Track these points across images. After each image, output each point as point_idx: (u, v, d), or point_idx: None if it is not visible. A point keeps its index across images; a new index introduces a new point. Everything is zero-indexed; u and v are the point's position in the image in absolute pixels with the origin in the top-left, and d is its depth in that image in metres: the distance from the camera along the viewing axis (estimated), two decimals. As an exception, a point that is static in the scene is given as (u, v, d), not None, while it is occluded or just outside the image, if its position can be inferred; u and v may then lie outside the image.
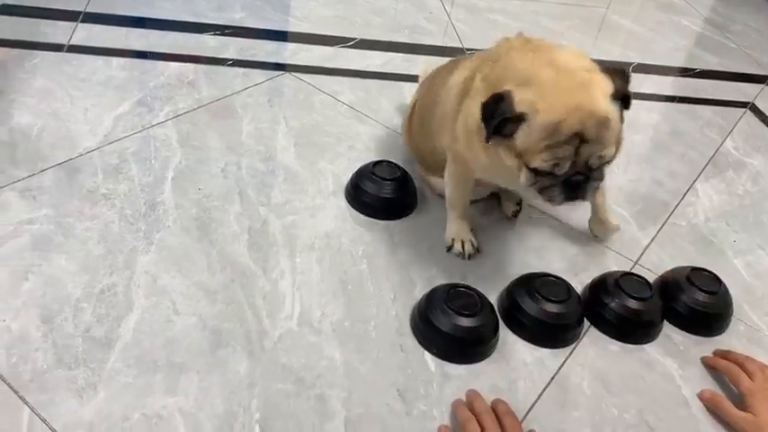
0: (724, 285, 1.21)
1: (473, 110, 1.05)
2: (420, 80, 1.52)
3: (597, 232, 1.34)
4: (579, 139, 0.95)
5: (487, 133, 0.99)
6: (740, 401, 1.03)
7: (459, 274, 1.21)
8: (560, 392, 1.04)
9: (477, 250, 1.26)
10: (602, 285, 1.18)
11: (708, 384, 1.09)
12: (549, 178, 1.00)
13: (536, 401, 1.02)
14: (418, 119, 1.35)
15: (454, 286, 1.09)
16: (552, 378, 1.05)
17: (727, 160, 1.70)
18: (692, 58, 2.22)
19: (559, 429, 0.99)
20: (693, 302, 1.17)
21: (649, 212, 1.46)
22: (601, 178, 1.02)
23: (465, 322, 1.04)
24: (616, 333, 1.14)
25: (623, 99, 0.99)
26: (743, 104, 1.96)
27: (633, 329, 1.14)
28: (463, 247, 1.24)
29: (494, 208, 1.38)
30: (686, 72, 2.11)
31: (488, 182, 1.24)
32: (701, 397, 1.06)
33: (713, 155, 1.71)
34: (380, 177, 1.31)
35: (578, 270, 1.27)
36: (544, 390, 1.04)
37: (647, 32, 2.33)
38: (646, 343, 1.14)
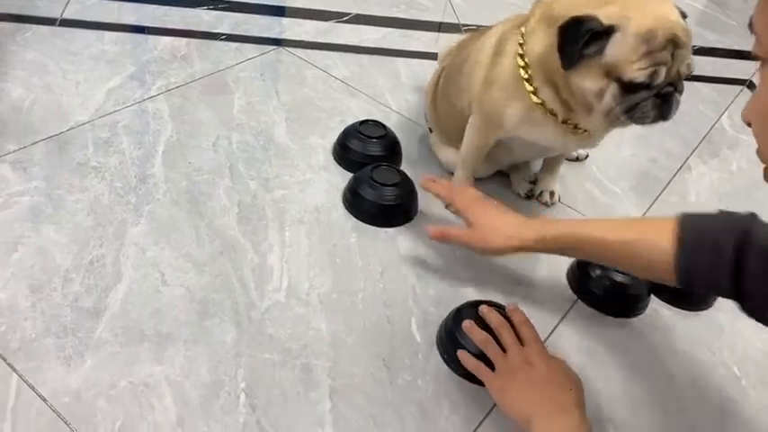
0: None
1: (530, 47, 1.05)
2: (440, 57, 1.50)
3: (542, 195, 1.34)
4: (674, 45, 0.95)
5: (570, 58, 0.97)
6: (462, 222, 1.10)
7: (450, 246, 1.21)
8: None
9: None
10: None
11: (696, 358, 1.10)
12: (641, 93, 0.98)
13: (520, 373, 1.02)
14: (444, 81, 1.33)
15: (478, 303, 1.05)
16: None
17: (723, 138, 1.70)
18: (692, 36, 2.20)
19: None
20: None
21: (642, 189, 1.46)
22: (682, 92, 1.01)
23: None
24: (603, 307, 1.15)
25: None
26: (740, 82, 1.95)
27: (620, 303, 1.15)
28: None
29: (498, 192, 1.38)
30: (685, 49, 2.09)
31: (506, 146, 1.23)
32: (430, 234, 1.12)
33: (708, 132, 1.70)
34: (367, 136, 1.33)
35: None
36: (529, 362, 1.04)
37: (647, 9, 2.30)
38: (633, 317, 1.15)
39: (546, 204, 1.33)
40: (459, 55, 1.28)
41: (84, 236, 1.10)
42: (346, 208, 1.25)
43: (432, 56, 1.78)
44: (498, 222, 1.05)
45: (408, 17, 1.96)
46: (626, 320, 1.15)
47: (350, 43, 1.76)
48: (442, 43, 1.64)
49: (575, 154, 1.48)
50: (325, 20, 1.85)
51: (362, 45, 1.76)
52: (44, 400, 0.88)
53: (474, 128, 1.22)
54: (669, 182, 1.50)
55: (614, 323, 1.14)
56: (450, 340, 1.01)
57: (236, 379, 0.94)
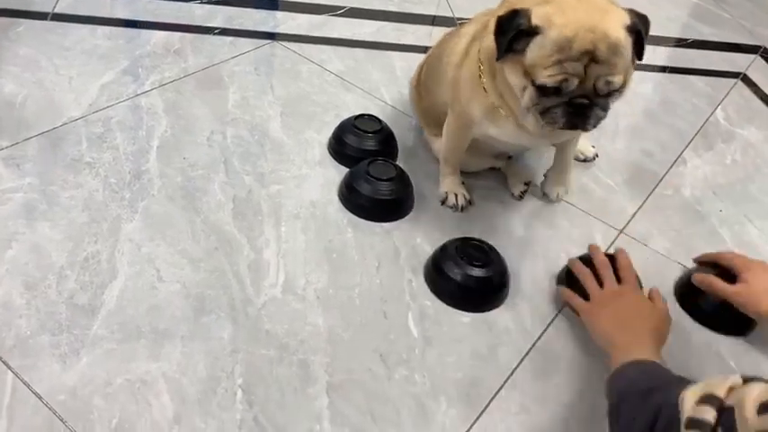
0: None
1: (485, 44, 1.06)
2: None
3: (550, 191, 1.34)
4: (590, 57, 0.95)
5: (500, 48, 0.98)
6: (736, 276, 1.09)
7: (446, 241, 1.21)
8: (542, 359, 1.05)
9: (470, 203, 1.29)
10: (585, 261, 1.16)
11: (691, 346, 1.11)
12: (554, 98, 0.99)
13: (517, 367, 1.03)
14: (425, 76, 1.35)
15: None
16: (533, 344, 1.06)
17: (717, 131, 1.70)
18: (685, 28, 2.20)
19: (541, 395, 1.00)
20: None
21: (637, 182, 1.46)
22: (605, 109, 1.01)
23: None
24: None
25: (637, 41, 0.99)
26: (735, 75, 1.95)
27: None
28: (456, 199, 1.27)
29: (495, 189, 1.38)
30: (679, 42, 2.09)
31: (486, 141, 1.24)
32: (694, 280, 1.13)
33: (703, 125, 1.70)
34: (362, 131, 1.33)
35: (562, 238, 1.27)
36: (525, 356, 1.05)
37: (643, 2, 2.28)
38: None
39: (527, 185, 1.35)
40: (439, 48, 1.29)
41: (79, 232, 1.10)
42: (342, 203, 1.25)
43: (426, 50, 1.78)
44: None
45: (402, 10, 1.95)
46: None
47: (344, 37, 1.75)
48: (437, 37, 1.63)
49: (582, 156, 1.47)
50: (320, 13, 1.84)
51: (357, 39, 1.76)
52: (40, 397, 0.87)
53: (449, 126, 1.23)
54: (664, 175, 1.50)
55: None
56: (436, 270, 1.11)
57: (233, 375, 0.94)
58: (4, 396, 0.87)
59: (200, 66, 1.53)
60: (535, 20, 0.96)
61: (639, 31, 0.98)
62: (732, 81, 1.92)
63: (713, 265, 1.15)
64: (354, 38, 1.75)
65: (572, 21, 0.95)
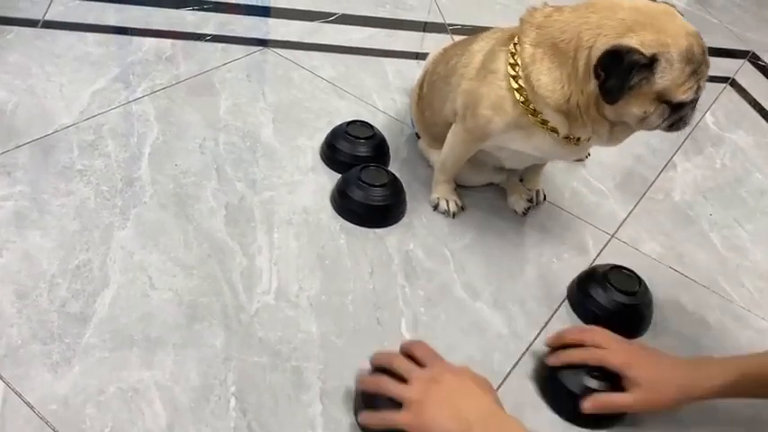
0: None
1: (537, 77, 1.02)
2: (428, 61, 1.47)
3: (516, 204, 1.33)
4: (703, 56, 0.97)
5: (615, 94, 0.96)
6: (624, 381, 0.94)
7: (439, 246, 1.21)
8: (535, 363, 1.05)
9: (462, 209, 1.29)
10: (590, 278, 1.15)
11: (682, 354, 1.11)
12: (686, 108, 1.00)
13: (510, 372, 1.03)
14: (429, 88, 1.32)
15: None
16: (527, 349, 1.07)
17: (707, 135, 1.71)
18: (674, 34, 2.22)
19: (535, 400, 1.00)
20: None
21: (627, 187, 1.47)
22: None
23: None
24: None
25: None
26: (723, 80, 1.97)
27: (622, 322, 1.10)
28: (448, 205, 1.27)
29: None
30: (668, 47, 2.10)
31: (492, 153, 1.23)
32: (585, 409, 0.94)
33: (692, 130, 1.71)
34: (355, 137, 1.33)
35: (554, 243, 1.28)
36: (519, 360, 1.05)
37: (631, 8, 2.32)
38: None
39: (532, 203, 1.34)
40: (445, 64, 1.26)
41: (71, 240, 1.09)
42: (335, 209, 1.25)
43: (418, 56, 1.79)
44: (668, 373, 0.93)
45: (394, 17, 1.96)
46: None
47: (336, 43, 1.75)
48: (433, 46, 1.64)
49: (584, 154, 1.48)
50: (311, 20, 1.84)
51: (349, 45, 1.76)
52: (31, 407, 0.87)
53: (456, 137, 1.21)
54: (655, 180, 1.51)
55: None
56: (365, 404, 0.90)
57: (226, 383, 0.94)
58: (-4, 406, 0.86)
59: (192, 72, 1.53)
60: (647, 50, 0.93)
61: None
62: (721, 86, 1.94)
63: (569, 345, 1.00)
64: (346, 44, 1.76)
65: (674, 33, 0.95)
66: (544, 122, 1.06)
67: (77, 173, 1.22)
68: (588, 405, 0.93)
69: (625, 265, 1.16)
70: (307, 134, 1.42)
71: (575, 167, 1.49)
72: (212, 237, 1.15)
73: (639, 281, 1.13)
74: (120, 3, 1.74)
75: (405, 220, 1.26)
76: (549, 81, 1.02)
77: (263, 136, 1.39)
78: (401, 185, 1.28)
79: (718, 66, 2.04)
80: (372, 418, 0.87)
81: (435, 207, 1.28)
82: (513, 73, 1.06)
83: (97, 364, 0.93)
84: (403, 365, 0.88)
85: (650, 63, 0.94)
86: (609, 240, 1.31)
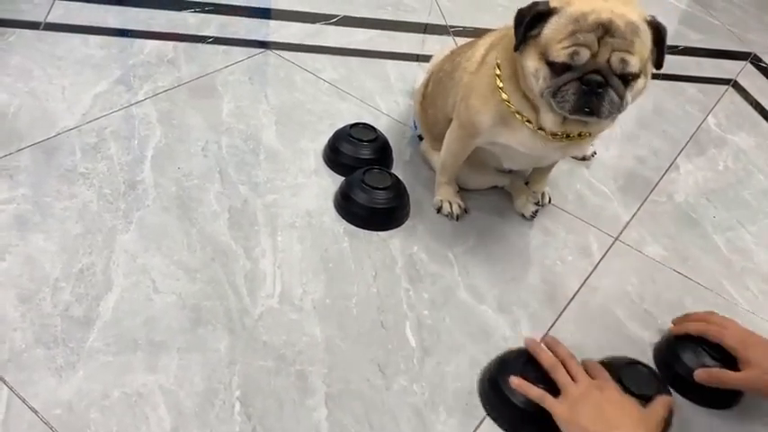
0: None
1: (504, 44, 1.06)
2: (432, 63, 1.49)
3: (524, 209, 1.33)
4: (604, 30, 0.93)
5: (519, 35, 0.98)
6: (736, 359, 0.98)
7: (443, 249, 1.21)
8: (540, 367, 1.04)
9: (465, 211, 1.29)
10: None
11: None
12: (566, 75, 0.96)
13: (515, 376, 1.03)
14: (433, 86, 1.32)
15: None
16: (532, 353, 1.06)
17: (709, 137, 1.71)
18: (675, 36, 2.22)
19: (538, 403, 1.00)
20: None
21: (631, 189, 1.47)
22: (621, 94, 0.96)
23: None
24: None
25: (657, 45, 0.98)
26: (725, 81, 1.97)
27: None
28: (451, 207, 1.27)
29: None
30: (670, 49, 2.09)
31: (491, 153, 1.22)
32: (698, 378, 1.00)
33: (695, 132, 1.71)
34: (358, 139, 1.33)
35: (558, 246, 1.28)
36: (523, 364, 1.04)
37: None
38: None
39: (538, 205, 1.33)
40: (451, 61, 1.27)
41: (74, 244, 1.09)
42: (338, 212, 1.24)
43: (419, 57, 1.79)
44: None
45: (395, 18, 1.95)
46: (618, 319, 1.15)
47: (338, 45, 1.75)
48: (437, 48, 1.63)
49: (580, 154, 1.48)
50: (313, 22, 1.84)
51: (351, 47, 1.76)
52: (35, 412, 0.86)
53: (452, 133, 1.22)
54: (658, 182, 1.51)
55: (608, 323, 1.14)
56: (494, 391, 0.96)
57: (230, 387, 0.94)
58: (0, 412, 0.86)
59: (194, 75, 1.52)
60: (554, 3, 0.97)
61: (659, 29, 0.98)
62: (723, 87, 1.94)
63: (695, 337, 1.04)
64: (348, 46, 1.76)
65: (593, 3, 0.95)
66: (519, 113, 1.07)
67: (80, 176, 1.21)
68: (702, 375, 0.99)
69: (627, 267, 1.15)
70: (309, 137, 1.41)
71: (578, 170, 1.49)
72: (216, 240, 1.14)
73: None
74: (121, 5, 1.74)
75: (408, 222, 1.26)
76: (505, 50, 1.05)
77: (265, 138, 1.39)
78: (404, 188, 1.27)
79: (720, 67, 2.04)
80: (529, 388, 0.92)
81: (438, 210, 1.28)
82: (498, 61, 1.08)
83: (101, 368, 0.93)
84: (574, 366, 0.95)
85: (548, 14, 0.96)
86: (613, 243, 1.31)
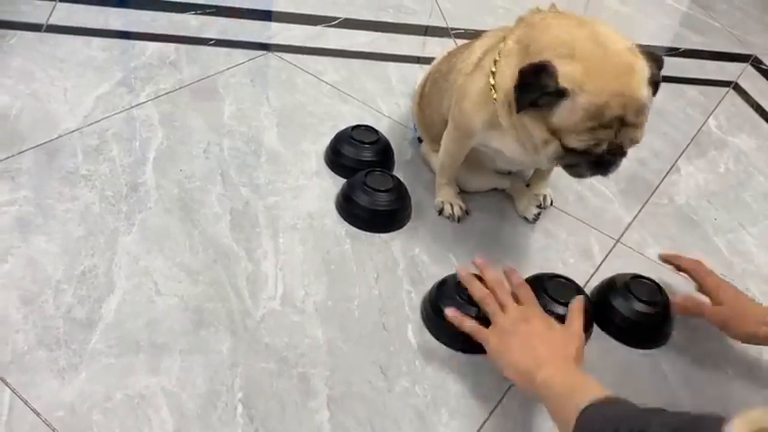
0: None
1: (502, 69, 1.04)
2: (434, 63, 1.47)
3: (526, 212, 1.32)
4: (620, 123, 0.94)
5: (521, 104, 0.96)
6: (711, 298, 1.10)
7: (444, 251, 1.21)
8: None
9: (466, 213, 1.29)
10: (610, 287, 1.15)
11: (689, 360, 1.11)
12: (580, 156, 0.98)
13: (517, 378, 1.03)
14: (430, 88, 1.33)
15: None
16: (533, 355, 1.06)
17: (710, 139, 1.71)
18: (676, 38, 2.22)
19: (540, 405, 0.99)
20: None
21: (632, 191, 1.47)
22: (625, 156, 1.00)
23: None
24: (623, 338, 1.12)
25: (654, 85, 0.98)
26: (726, 84, 1.97)
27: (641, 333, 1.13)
28: (452, 209, 1.27)
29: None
30: (670, 51, 2.11)
31: (487, 154, 1.22)
32: (678, 308, 1.11)
33: (696, 134, 1.72)
34: (359, 141, 1.33)
35: (559, 248, 1.28)
36: (525, 366, 1.04)
37: (633, 12, 2.33)
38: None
39: (540, 207, 1.33)
40: (448, 62, 1.28)
41: (76, 246, 1.09)
42: (340, 214, 1.24)
43: (420, 59, 1.79)
44: (749, 307, 1.08)
45: (396, 21, 1.96)
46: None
47: (339, 48, 1.75)
48: (436, 49, 1.64)
49: None
50: (314, 24, 1.84)
51: (352, 49, 1.76)
52: (38, 414, 0.86)
53: (449, 134, 1.22)
54: (659, 184, 1.51)
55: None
56: (435, 312, 1.05)
57: (232, 389, 0.94)
58: (2, 413, 0.86)
59: (196, 77, 1.53)
60: (563, 82, 0.92)
61: (659, 65, 0.98)
62: (724, 90, 1.94)
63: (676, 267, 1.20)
64: (350, 48, 1.76)
65: (602, 84, 0.92)
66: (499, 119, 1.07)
67: (82, 178, 1.21)
68: (679, 300, 1.11)
69: (628, 269, 1.15)
70: (311, 139, 1.41)
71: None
72: (217, 242, 1.14)
73: (660, 290, 1.14)
74: (123, 7, 1.74)
75: (410, 224, 1.26)
76: (508, 74, 1.03)
77: (267, 141, 1.39)
78: (406, 190, 1.27)
79: (721, 70, 2.04)
80: (462, 320, 0.98)
81: (440, 212, 1.28)
82: (492, 69, 1.07)
83: (103, 370, 0.93)
84: (503, 294, 0.99)
85: (558, 95, 0.93)
86: (614, 245, 1.31)
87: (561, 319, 0.98)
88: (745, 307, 1.08)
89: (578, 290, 1.11)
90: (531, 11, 1.10)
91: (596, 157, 0.98)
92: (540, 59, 0.95)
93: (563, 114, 0.95)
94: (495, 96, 1.06)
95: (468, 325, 0.97)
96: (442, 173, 1.29)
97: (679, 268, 1.20)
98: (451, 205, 1.28)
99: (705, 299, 1.12)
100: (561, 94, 0.93)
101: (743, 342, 1.09)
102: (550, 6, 1.12)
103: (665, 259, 1.23)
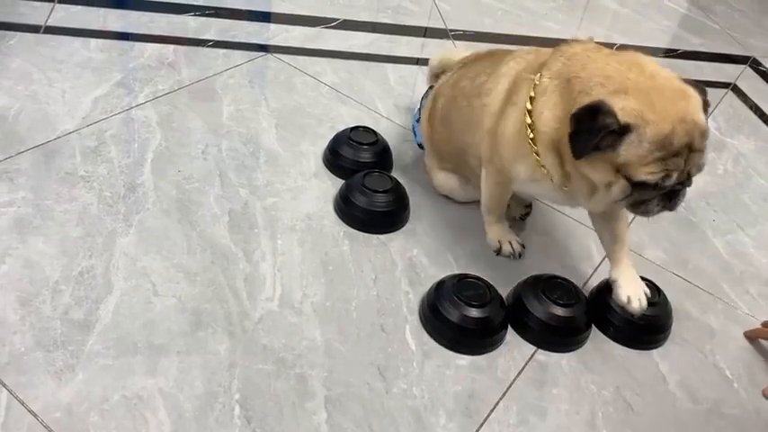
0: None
1: (539, 110, 0.99)
2: (430, 63, 1.45)
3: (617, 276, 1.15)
4: (689, 150, 0.91)
5: (582, 151, 0.92)
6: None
7: (443, 252, 1.21)
8: (540, 369, 1.04)
9: (523, 246, 1.24)
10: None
11: (687, 361, 1.11)
12: (649, 191, 0.94)
13: (516, 378, 1.03)
14: (446, 106, 1.25)
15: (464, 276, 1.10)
16: (532, 356, 1.06)
17: (709, 141, 1.71)
18: (675, 39, 2.22)
19: (538, 406, 1.00)
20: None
21: (630, 192, 1.47)
22: (690, 185, 0.97)
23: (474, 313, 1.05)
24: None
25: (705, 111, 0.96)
26: (725, 85, 1.97)
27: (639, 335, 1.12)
28: (512, 246, 1.23)
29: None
30: (669, 53, 2.11)
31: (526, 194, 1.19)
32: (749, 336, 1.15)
33: (695, 135, 1.71)
34: (358, 143, 1.33)
35: (560, 249, 1.28)
36: (524, 367, 1.04)
37: (632, 14, 2.33)
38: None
39: (529, 209, 1.32)
40: (470, 80, 1.19)
41: (74, 247, 1.09)
42: (338, 215, 1.24)
43: (419, 61, 1.79)
44: None
45: (395, 22, 1.96)
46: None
47: (338, 49, 1.75)
48: (435, 51, 1.63)
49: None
50: (313, 26, 1.84)
51: (351, 51, 1.76)
52: (35, 415, 0.86)
53: (489, 181, 1.16)
54: (657, 185, 1.51)
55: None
56: (433, 313, 1.05)
57: (230, 390, 0.93)
58: (-1, 414, 0.86)
59: (194, 78, 1.53)
60: (624, 117, 0.89)
61: (706, 98, 0.97)
62: (722, 91, 1.94)
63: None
64: (348, 50, 1.76)
65: (664, 114, 0.89)
66: (544, 167, 1.02)
67: (80, 179, 1.21)
68: (750, 332, 1.15)
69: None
70: (309, 140, 1.41)
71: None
72: (216, 243, 1.14)
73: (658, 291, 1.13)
74: (121, 8, 1.74)
75: (408, 225, 1.26)
76: (549, 116, 0.98)
77: (265, 142, 1.39)
78: (404, 191, 1.27)
79: (720, 71, 2.04)
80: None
81: (498, 252, 1.23)
82: (529, 107, 1.01)
83: (101, 371, 0.92)
84: None
85: (621, 132, 0.90)
86: (612, 246, 1.31)
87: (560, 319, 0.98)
88: None
89: (576, 290, 1.11)
90: (569, 42, 1.04)
91: (665, 190, 0.94)
92: (589, 100, 0.92)
93: (630, 150, 0.91)
94: (531, 136, 1.01)
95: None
96: (490, 214, 1.23)
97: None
98: (510, 243, 1.23)
99: None
100: (625, 129, 0.89)
101: None
102: (588, 39, 1.06)
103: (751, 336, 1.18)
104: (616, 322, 1.11)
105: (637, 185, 0.93)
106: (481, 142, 1.12)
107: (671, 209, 0.97)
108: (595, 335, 1.12)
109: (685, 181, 0.94)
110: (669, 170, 0.91)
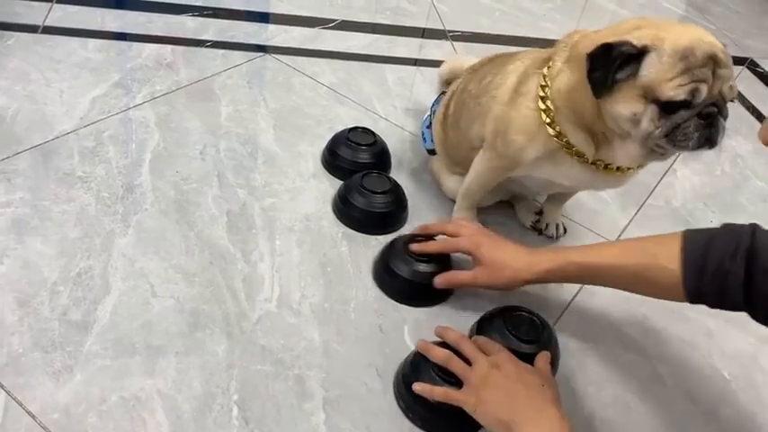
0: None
1: (556, 88, 1.00)
2: (440, 71, 1.45)
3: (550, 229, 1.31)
4: (714, 62, 0.88)
5: (604, 81, 0.90)
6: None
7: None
8: (538, 371, 1.04)
9: None
10: None
11: (686, 361, 1.11)
12: (682, 113, 0.90)
13: (514, 380, 1.03)
14: (456, 107, 1.25)
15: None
16: (530, 357, 1.06)
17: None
18: (673, 41, 2.23)
19: (536, 407, 1.00)
20: None
21: (628, 193, 1.47)
22: (727, 118, 0.92)
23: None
24: None
25: None
26: (722, 86, 1.97)
27: None
28: None
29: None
30: (667, 54, 2.11)
31: (521, 180, 1.18)
32: (437, 284, 1.10)
33: (692, 136, 1.72)
34: (356, 143, 1.33)
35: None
36: (522, 368, 1.04)
37: (630, 14, 2.34)
38: None
39: (552, 237, 1.31)
40: (477, 82, 1.19)
41: (72, 247, 1.08)
42: (336, 216, 1.24)
43: (417, 62, 1.79)
44: (507, 257, 1.05)
45: (394, 23, 1.96)
46: (615, 324, 1.15)
47: (337, 50, 1.76)
48: (433, 52, 1.64)
49: (620, 186, 1.44)
50: (312, 26, 1.84)
51: (349, 51, 1.76)
52: (33, 416, 0.86)
53: (485, 163, 1.16)
54: (655, 187, 1.51)
55: (605, 327, 1.15)
56: (408, 392, 0.94)
57: (228, 391, 0.93)
58: (-3, 415, 0.85)
59: (192, 79, 1.53)
60: (641, 41, 0.89)
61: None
62: (720, 92, 1.94)
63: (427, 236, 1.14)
64: (347, 51, 1.76)
65: (679, 35, 0.89)
66: (569, 146, 1.02)
67: (78, 179, 1.21)
68: (439, 281, 1.09)
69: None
70: (308, 140, 1.41)
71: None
72: (214, 244, 1.14)
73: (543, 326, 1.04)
74: (119, 8, 1.74)
75: (407, 226, 1.26)
76: (566, 89, 0.99)
77: (263, 142, 1.39)
78: (403, 192, 1.27)
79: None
80: (432, 391, 0.91)
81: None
82: (542, 94, 1.02)
83: (99, 372, 0.92)
84: (471, 350, 0.94)
85: (639, 54, 0.89)
86: (610, 247, 1.31)
87: (525, 357, 0.96)
88: (501, 259, 1.05)
89: (542, 324, 1.04)
90: (567, 33, 1.05)
91: (699, 108, 0.89)
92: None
93: (651, 68, 0.89)
94: (548, 120, 1.01)
95: (439, 392, 0.91)
96: (467, 197, 1.23)
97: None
98: None
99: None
100: (643, 51, 0.89)
101: (507, 290, 1.08)
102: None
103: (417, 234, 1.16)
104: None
105: (666, 108, 0.90)
106: (486, 128, 1.13)
107: (712, 139, 0.92)
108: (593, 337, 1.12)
109: (719, 102, 0.90)
110: (698, 81, 0.88)
